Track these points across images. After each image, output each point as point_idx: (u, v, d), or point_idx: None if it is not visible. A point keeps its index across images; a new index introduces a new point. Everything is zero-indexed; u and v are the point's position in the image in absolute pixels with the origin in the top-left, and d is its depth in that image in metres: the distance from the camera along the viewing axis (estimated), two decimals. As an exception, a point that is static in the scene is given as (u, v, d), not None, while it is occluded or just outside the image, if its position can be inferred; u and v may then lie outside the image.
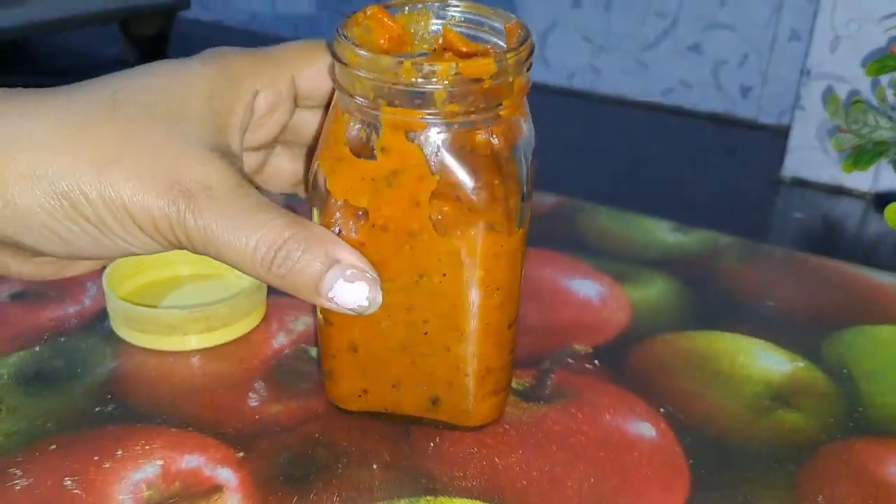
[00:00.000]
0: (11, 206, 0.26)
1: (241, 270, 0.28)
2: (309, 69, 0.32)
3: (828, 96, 0.41)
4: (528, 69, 0.29)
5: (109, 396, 0.34)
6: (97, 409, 0.33)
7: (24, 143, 0.26)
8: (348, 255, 0.28)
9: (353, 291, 0.27)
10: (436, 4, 0.31)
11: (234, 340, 0.38)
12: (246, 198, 0.27)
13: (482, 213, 0.28)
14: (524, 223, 0.30)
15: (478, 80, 0.27)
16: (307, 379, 0.36)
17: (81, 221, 0.26)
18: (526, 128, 0.30)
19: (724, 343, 0.40)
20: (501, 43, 0.30)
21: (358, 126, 0.28)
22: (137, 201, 0.26)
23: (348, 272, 0.27)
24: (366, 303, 0.28)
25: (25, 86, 0.29)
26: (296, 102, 0.33)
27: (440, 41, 0.31)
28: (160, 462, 0.31)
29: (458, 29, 0.31)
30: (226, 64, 0.30)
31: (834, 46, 0.57)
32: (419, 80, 0.26)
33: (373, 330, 0.31)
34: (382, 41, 0.30)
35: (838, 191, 0.57)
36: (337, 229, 0.29)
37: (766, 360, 0.38)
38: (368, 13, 0.30)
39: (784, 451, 0.33)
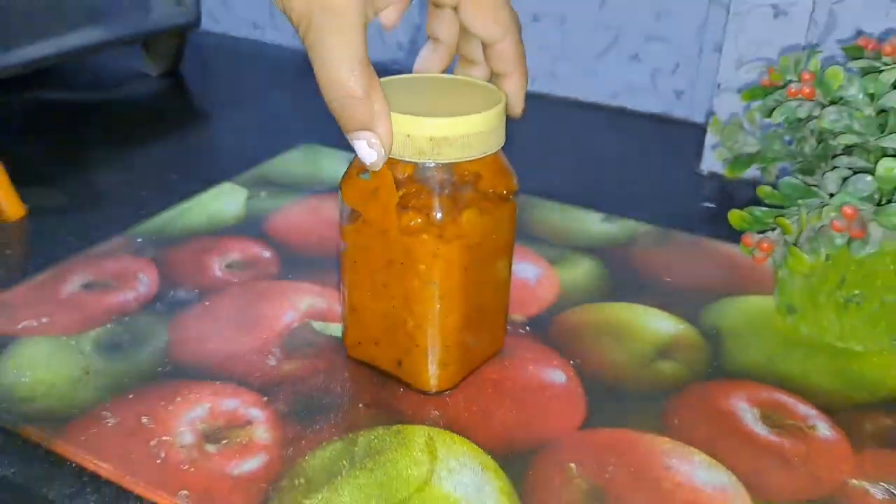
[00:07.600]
0: None
1: (317, 79, 0.36)
2: None
3: (710, 118, 0.52)
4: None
5: (167, 360, 0.47)
6: (159, 369, 0.46)
7: None
8: (383, 132, 0.37)
9: (366, 153, 0.38)
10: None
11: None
12: (361, 28, 0.35)
13: (438, 226, 0.40)
14: (469, 237, 0.41)
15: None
16: (311, 345, 0.48)
17: None
18: (493, 174, 0.42)
19: (627, 312, 0.52)
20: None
21: None
22: None
23: (373, 140, 0.38)
24: (367, 161, 0.38)
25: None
26: None
27: None
28: (208, 405, 0.43)
29: None
30: None
31: (739, 64, 0.69)
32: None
33: (366, 297, 0.44)
34: None
35: (745, 182, 0.69)
36: (346, 219, 0.42)
37: (655, 324, 0.51)
38: None
39: (658, 390, 0.46)
